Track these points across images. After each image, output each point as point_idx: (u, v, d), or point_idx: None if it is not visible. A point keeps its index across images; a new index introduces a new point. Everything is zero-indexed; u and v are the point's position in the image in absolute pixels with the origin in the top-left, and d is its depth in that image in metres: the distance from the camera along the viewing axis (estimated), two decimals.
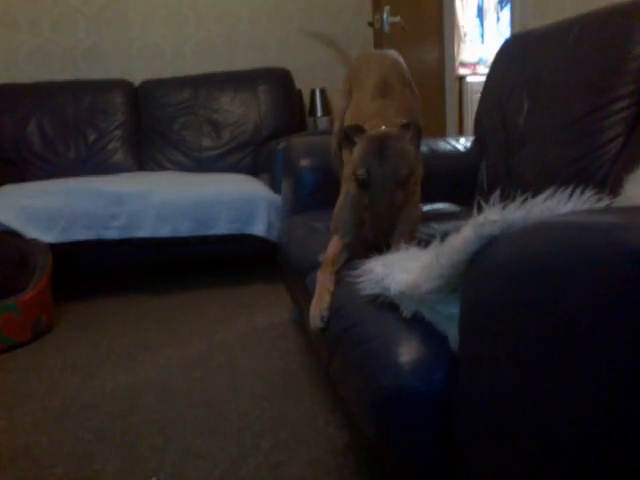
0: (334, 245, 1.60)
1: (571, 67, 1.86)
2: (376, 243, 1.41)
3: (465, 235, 0.87)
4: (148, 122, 3.75)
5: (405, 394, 0.95)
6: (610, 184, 1.64)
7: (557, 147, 1.86)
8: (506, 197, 0.93)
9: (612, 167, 1.68)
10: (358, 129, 1.53)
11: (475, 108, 2.53)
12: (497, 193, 0.93)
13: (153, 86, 3.80)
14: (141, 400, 1.89)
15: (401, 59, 2.04)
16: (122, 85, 3.79)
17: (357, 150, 1.47)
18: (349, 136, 1.52)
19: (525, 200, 0.89)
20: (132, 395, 1.93)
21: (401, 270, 1.06)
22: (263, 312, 2.62)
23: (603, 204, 0.94)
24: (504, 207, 0.88)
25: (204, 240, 2.91)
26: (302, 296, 1.72)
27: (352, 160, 1.48)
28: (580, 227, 0.70)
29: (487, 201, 0.94)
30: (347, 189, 1.65)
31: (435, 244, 1.00)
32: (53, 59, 3.93)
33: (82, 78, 3.84)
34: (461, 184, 2.28)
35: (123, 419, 1.78)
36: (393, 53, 2.07)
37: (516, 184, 1.99)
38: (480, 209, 0.90)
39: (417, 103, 2.06)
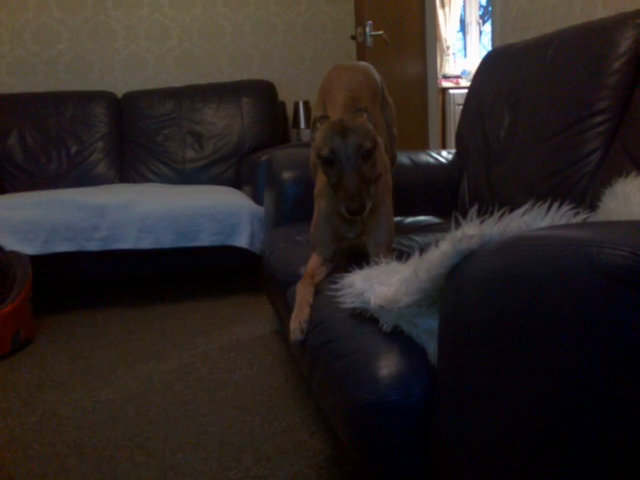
0: (314, 259, 1.62)
1: (550, 81, 1.89)
2: (351, 219, 1.46)
3: (443, 249, 0.87)
4: (131, 134, 3.74)
5: (384, 408, 0.95)
6: (589, 198, 1.66)
7: (537, 160, 1.88)
8: (485, 211, 0.94)
9: (591, 181, 1.70)
10: (322, 118, 1.58)
11: (458, 121, 2.55)
12: (475, 208, 0.93)
13: (136, 98, 3.79)
14: (121, 414, 1.87)
15: (373, 70, 2.05)
16: (105, 96, 3.77)
17: (318, 134, 1.51)
18: (315, 125, 1.57)
19: (503, 215, 0.90)
20: (112, 409, 1.91)
21: (380, 284, 1.07)
22: (245, 324, 2.61)
23: (580, 218, 0.95)
24: (482, 222, 0.89)
25: (187, 252, 2.90)
26: (283, 309, 1.72)
27: (315, 145, 1.52)
28: (555, 242, 0.71)
29: (465, 215, 0.95)
30: (319, 207, 1.67)
31: (414, 258, 1.00)
32: (35, 70, 3.91)
33: (64, 89, 3.82)
34: (443, 196, 2.30)
35: (102, 433, 1.76)
36: (365, 65, 2.08)
37: (497, 197, 2.01)
38: (458, 223, 0.91)
39: (391, 113, 2.08)
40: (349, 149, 1.42)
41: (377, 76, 2.02)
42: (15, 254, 2.60)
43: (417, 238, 1.82)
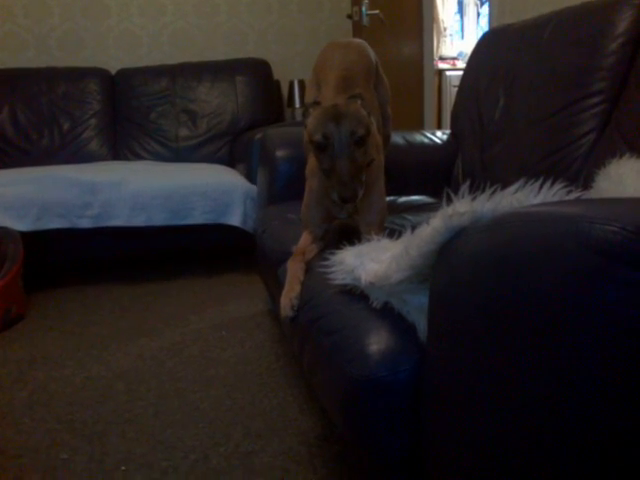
0: (305, 238, 1.61)
1: (546, 62, 1.87)
2: (343, 205, 1.45)
3: (434, 226, 0.87)
4: (124, 111, 3.71)
5: (373, 383, 0.95)
6: (583, 179, 1.65)
7: (531, 142, 1.87)
8: (476, 189, 0.93)
9: (585, 162, 1.69)
10: (314, 104, 1.56)
11: (453, 103, 2.54)
12: (467, 184, 0.93)
13: (129, 75, 3.76)
14: (112, 390, 1.87)
15: (367, 47, 2.02)
16: (98, 73, 3.74)
17: (311, 120, 1.49)
18: (307, 110, 1.55)
19: (495, 192, 0.90)
20: (103, 385, 1.91)
21: (372, 261, 1.06)
22: (237, 302, 2.61)
23: (573, 197, 0.95)
24: (473, 199, 0.88)
25: (179, 230, 2.89)
26: (275, 286, 1.72)
27: (307, 130, 1.50)
28: (546, 218, 0.70)
29: (457, 193, 0.94)
30: (310, 186, 1.66)
31: (406, 235, 1.00)
32: (26, 46, 3.86)
33: (56, 65, 3.78)
34: (437, 177, 2.29)
35: (93, 409, 1.76)
36: (359, 42, 2.05)
37: (491, 178, 2.00)
38: (449, 200, 0.90)
39: (385, 92, 2.06)
40: (342, 135, 1.41)
41: (372, 54, 2.00)
42: (6, 230, 2.59)
43: (410, 217, 1.82)
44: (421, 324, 0.97)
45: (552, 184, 0.95)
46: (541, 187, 0.94)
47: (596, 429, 0.61)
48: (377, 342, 0.99)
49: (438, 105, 5.00)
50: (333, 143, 1.41)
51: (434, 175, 2.30)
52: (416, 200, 2.13)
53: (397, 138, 2.32)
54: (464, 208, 0.85)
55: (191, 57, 3.94)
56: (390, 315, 1.04)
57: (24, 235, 2.62)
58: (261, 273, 2.19)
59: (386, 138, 2.02)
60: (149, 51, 4.01)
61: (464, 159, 2.26)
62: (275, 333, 2.26)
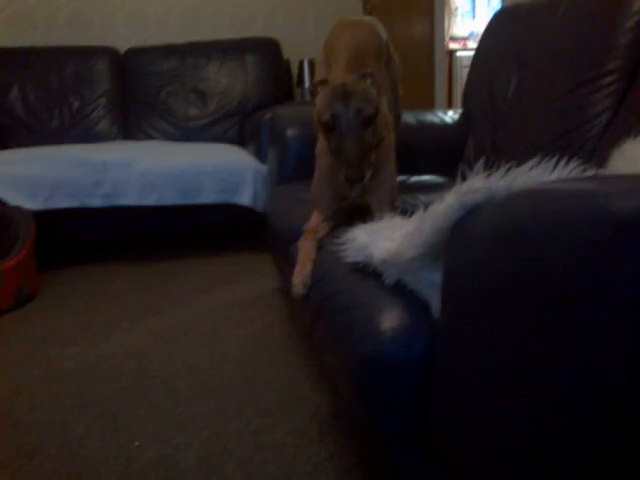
0: (315, 217, 1.61)
1: (560, 41, 1.85)
2: (352, 184, 1.43)
3: (448, 203, 0.87)
4: (133, 90, 3.70)
5: (385, 359, 0.95)
6: (596, 159, 1.64)
7: (544, 122, 1.85)
8: (491, 166, 0.93)
9: (598, 142, 1.68)
10: (323, 82, 1.55)
11: (464, 83, 2.52)
12: (481, 161, 0.92)
13: (138, 54, 3.74)
14: (123, 368, 1.89)
15: (378, 25, 2.00)
16: (107, 52, 3.72)
17: (319, 98, 1.48)
18: (315, 88, 1.54)
19: (509, 169, 0.89)
20: (114, 363, 1.93)
21: (385, 238, 1.06)
22: (248, 282, 2.62)
23: (588, 174, 0.94)
24: (488, 176, 0.88)
25: (190, 209, 2.89)
26: (286, 265, 1.72)
27: (316, 109, 1.49)
28: (563, 194, 0.70)
29: (471, 170, 0.94)
30: (320, 165, 1.66)
31: (419, 213, 1.00)
32: (34, 24, 3.84)
33: (65, 44, 3.76)
34: (448, 156, 2.28)
35: (105, 386, 1.78)
36: (370, 20, 2.03)
37: (502, 158, 1.99)
38: (464, 178, 0.90)
39: (396, 71, 2.03)
40: (350, 114, 1.40)
41: (382, 32, 1.98)
42: (18, 209, 2.60)
43: (421, 196, 1.81)
44: (434, 301, 0.97)
45: (567, 162, 0.94)
46: (556, 165, 0.93)
47: (610, 407, 0.61)
48: (390, 319, 0.99)
49: (448, 86, 4.96)
50: (341, 123, 1.40)
51: (445, 154, 2.29)
52: (427, 180, 2.12)
53: (408, 117, 2.31)
54: (478, 185, 0.85)
55: (200, 36, 3.91)
56: (402, 292, 1.04)
57: (35, 214, 2.63)
58: (272, 252, 2.19)
59: (397, 117, 2.01)
60: (157, 30, 3.99)
61: (475, 139, 2.24)
62: (285, 312, 2.27)
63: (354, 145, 1.38)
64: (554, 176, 0.91)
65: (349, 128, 1.39)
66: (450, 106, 4.84)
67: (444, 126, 2.38)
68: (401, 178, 1.91)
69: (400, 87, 2.05)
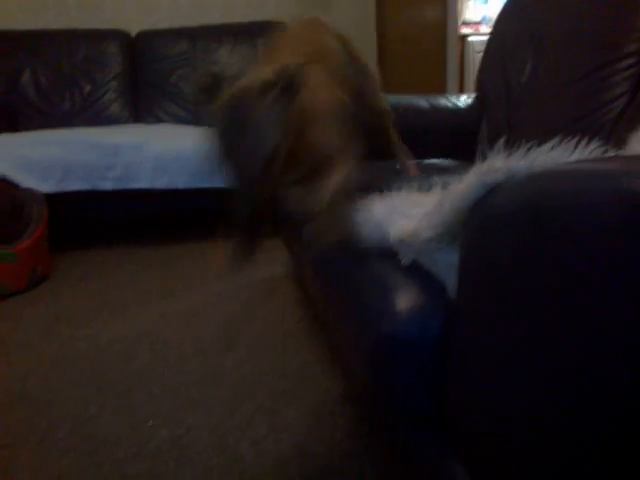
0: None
1: (576, 24, 1.83)
2: None
3: (468, 182, 0.86)
4: (144, 74, 3.69)
5: (400, 339, 0.95)
6: (613, 142, 1.62)
7: (559, 106, 1.84)
8: (510, 146, 0.92)
9: (615, 126, 1.66)
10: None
11: (477, 68, 2.50)
12: (501, 141, 0.91)
13: (150, 37, 3.73)
14: (136, 349, 1.90)
15: (325, 32, 1.70)
16: (118, 36, 3.72)
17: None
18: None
19: (530, 149, 0.88)
20: (127, 345, 1.94)
21: (402, 216, 1.06)
22: (260, 266, 2.62)
23: (609, 155, 0.93)
24: (508, 156, 0.87)
25: (201, 193, 2.89)
26: (298, 248, 1.72)
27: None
28: (583, 174, 0.69)
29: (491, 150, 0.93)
30: None
31: (437, 191, 0.99)
32: (46, 7, 3.83)
33: (76, 27, 3.76)
34: (461, 141, 2.26)
35: (118, 368, 1.79)
36: (313, 28, 1.77)
37: (517, 142, 1.97)
38: (484, 157, 0.89)
39: (372, 83, 1.80)
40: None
41: (334, 40, 1.65)
42: (31, 192, 2.61)
43: (437, 178, 1.80)
44: (451, 282, 0.97)
45: (587, 143, 0.93)
46: (576, 146, 0.92)
47: (627, 390, 0.60)
48: (405, 299, 0.98)
49: (460, 71, 4.92)
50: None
51: (458, 138, 2.28)
52: (440, 163, 2.11)
53: (421, 101, 2.29)
54: (499, 164, 0.84)
55: (211, 19, 3.89)
56: (419, 272, 1.04)
57: (48, 197, 2.64)
58: (284, 235, 2.19)
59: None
60: (168, 13, 3.97)
61: (489, 123, 2.23)
62: (296, 296, 2.28)
63: None
64: (574, 157, 0.90)
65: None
66: (462, 91, 4.81)
67: (457, 110, 2.37)
68: (414, 161, 1.90)
69: (382, 100, 1.88)
